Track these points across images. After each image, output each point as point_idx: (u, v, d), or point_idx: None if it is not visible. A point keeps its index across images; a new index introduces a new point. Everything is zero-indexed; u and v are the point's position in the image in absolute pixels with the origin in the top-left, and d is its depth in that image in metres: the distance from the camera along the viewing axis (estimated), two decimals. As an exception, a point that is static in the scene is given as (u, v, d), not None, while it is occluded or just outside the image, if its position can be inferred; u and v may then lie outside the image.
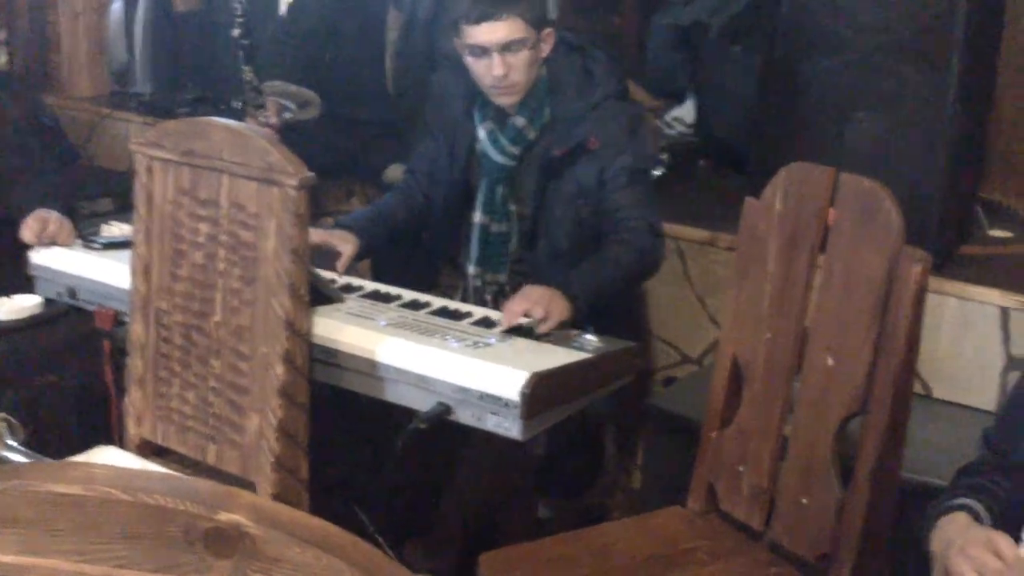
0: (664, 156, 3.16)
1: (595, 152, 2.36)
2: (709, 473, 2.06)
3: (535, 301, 2.11)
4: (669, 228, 2.94)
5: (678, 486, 2.12)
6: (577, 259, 2.33)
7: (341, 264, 2.40)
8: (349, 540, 0.78)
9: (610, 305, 2.31)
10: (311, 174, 1.79)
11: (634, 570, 1.88)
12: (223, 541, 0.76)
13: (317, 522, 0.78)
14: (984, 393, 2.63)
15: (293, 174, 1.77)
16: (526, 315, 2.10)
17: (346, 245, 2.43)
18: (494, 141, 2.46)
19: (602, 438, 2.51)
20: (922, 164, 2.64)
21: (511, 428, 1.92)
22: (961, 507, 1.48)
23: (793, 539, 1.90)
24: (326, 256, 2.40)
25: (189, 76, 4.21)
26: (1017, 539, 1.38)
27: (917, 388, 2.65)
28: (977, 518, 1.47)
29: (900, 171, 2.54)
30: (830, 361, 1.84)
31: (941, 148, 2.67)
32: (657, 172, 2.98)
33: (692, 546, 1.96)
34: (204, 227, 1.91)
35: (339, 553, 0.76)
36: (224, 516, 0.76)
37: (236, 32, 2.96)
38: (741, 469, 1.99)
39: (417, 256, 2.71)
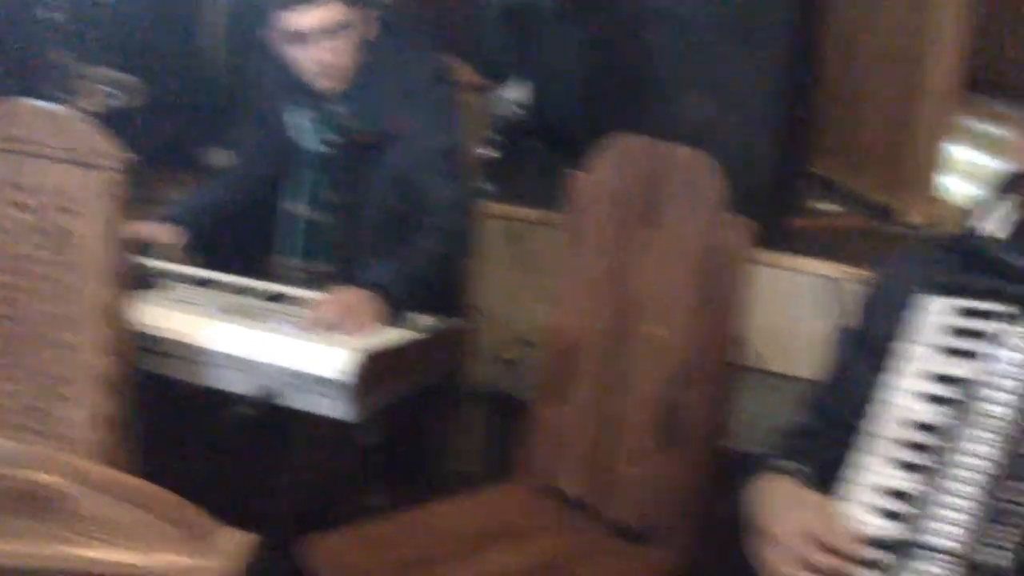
0: (496, 137, 3.15)
1: (408, 137, 2.33)
2: (539, 448, 2.06)
3: (343, 312, 2.07)
4: (502, 209, 2.95)
5: (512, 464, 2.11)
6: (398, 245, 2.31)
7: (169, 257, 2.36)
8: (165, 496, 0.75)
9: (439, 286, 2.29)
10: (131, 156, 1.76)
11: (464, 546, 1.86)
12: (40, 502, 0.73)
13: (134, 481, 0.76)
14: (816, 363, 2.70)
15: (112, 157, 1.75)
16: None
17: (173, 238, 2.40)
18: (312, 129, 2.42)
19: (435, 421, 2.49)
20: (751, 140, 2.71)
21: (343, 410, 1.91)
22: (785, 470, 1.46)
23: (624, 509, 1.92)
24: (156, 247, 2.37)
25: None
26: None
27: (750, 360, 2.71)
28: (802, 483, 1.44)
29: (729, 146, 2.58)
30: (658, 331, 1.88)
31: (769, 124, 2.75)
32: (489, 153, 2.97)
33: (522, 521, 1.96)
34: (19, 213, 1.84)
35: (154, 508, 0.74)
36: (40, 477, 0.73)
37: (56, 16, 2.85)
38: (571, 443, 2.00)
39: (245, 242, 2.65)
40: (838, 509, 1.33)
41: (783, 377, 2.72)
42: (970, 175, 4.19)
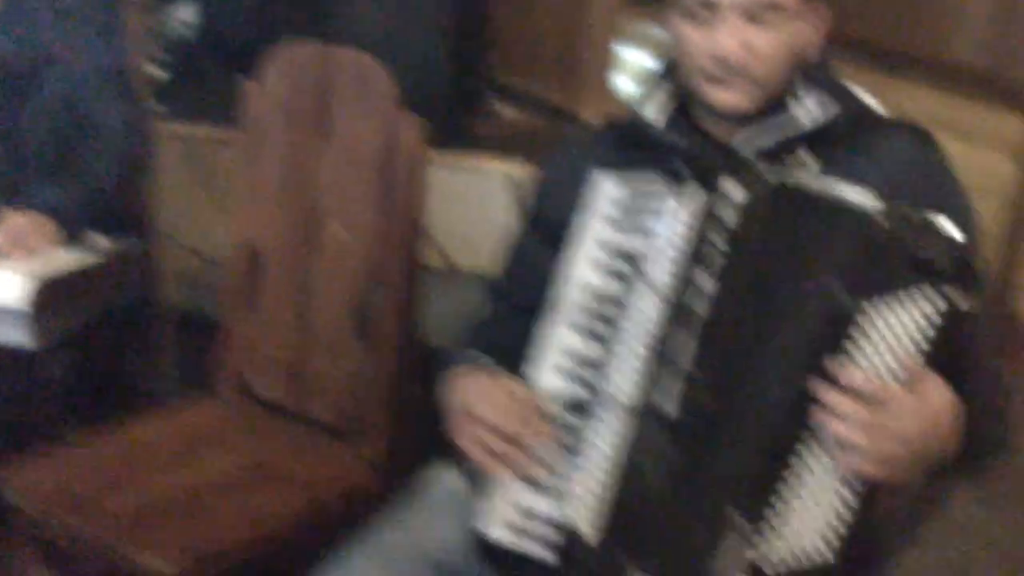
0: (166, 57, 3.08)
1: (67, 60, 2.23)
2: (235, 359, 2.06)
3: (13, 238, 1.99)
4: (178, 128, 2.88)
5: (209, 380, 2.10)
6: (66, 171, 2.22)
7: None
8: None
9: (117, 209, 2.22)
10: None
11: (165, 461, 1.85)
12: None
13: None
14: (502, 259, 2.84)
15: None
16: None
17: None
18: None
19: (126, 345, 2.44)
20: (427, 45, 2.76)
21: (21, 338, 1.86)
22: (473, 359, 1.53)
23: (325, 409, 1.96)
24: None
25: None
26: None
27: (437, 261, 2.80)
28: (488, 368, 1.51)
29: (404, 52, 2.62)
30: (343, 233, 1.91)
31: (442, 29, 2.81)
32: (159, 73, 2.90)
33: (223, 430, 1.96)
34: None
35: None
36: None
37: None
38: (266, 350, 2.01)
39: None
40: (525, 385, 1.41)
41: (471, 274, 2.83)
42: (639, 75, 4.44)
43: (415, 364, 1.92)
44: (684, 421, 1.29)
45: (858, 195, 1.26)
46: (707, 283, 1.29)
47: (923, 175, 1.41)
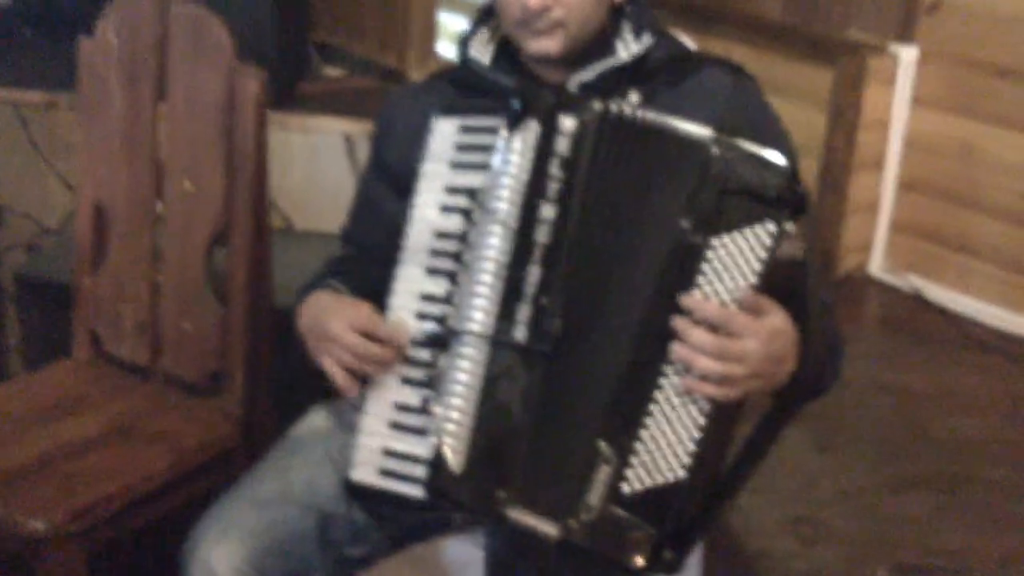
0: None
1: None
2: (89, 321, 2.04)
3: None
4: (6, 96, 2.79)
5: (65, 345, 2.07)
6: None
7: None
8: None
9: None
10: None
11: (27, 425, 1.84)
12: None
13: None
14: (340, 218, 2.87)
15: None
16: None
17: None
18: None
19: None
20: (250, 10, 2.73)
21: None
22: (325, 286, 1.55)
23: (182, 366, 1.96)
24: None
25: None
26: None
27: (278, 222, 2.81)
28: (337, 292, 1.54)
29: (228, 17, 2.62)
30: (188, 187, 1.89)
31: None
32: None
33: (83, 392, 1.95)
34: None
35: None
36: None
37: None
38: (120, 310, 2.00)
39: None
40: (376, 312, 1.43)
41: (312, 234, 2.85)
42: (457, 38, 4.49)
43: (267, 318, 1.94)
44: (535, 346, 1.35)
45: (687, 125, 1.33)
46: (547, 211, 1.35)
47: (741, 105, 1.51)
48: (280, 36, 2.84)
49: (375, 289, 1.55)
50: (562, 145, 1.36)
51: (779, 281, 1.31)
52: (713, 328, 1.28)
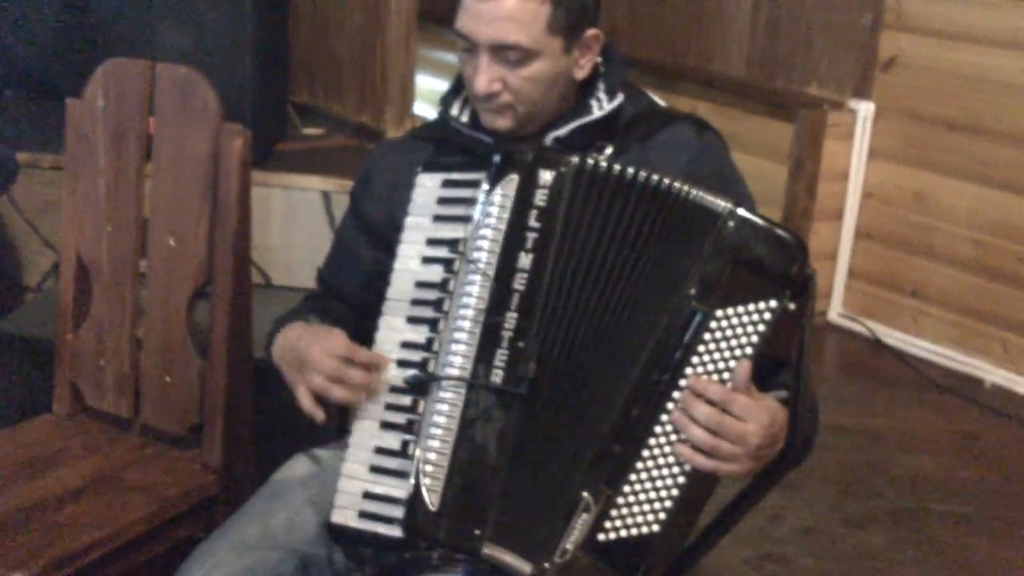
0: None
1: None
2: (71, 375, 2.07)
3: None
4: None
5: (47, 399, 2.10)
6: None
7: None
8: None
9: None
10: None
11: (8, 478, 1.85)
12: None
13: None
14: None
15: None
16: None
17: None
18: None
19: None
20: (230, 71, 2.80)
21: None
22: (298, 318, 1.60)
23: (163, 418, 1.99)
24: None
25: None
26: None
27: (257, 278, 2.85)
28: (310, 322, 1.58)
29: (209, 79, 2.68)
30: (172, 242, 1.93)
31: (246, 56, 2.86)
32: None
33: (64, 446, 1.97)
34: None
35: None
36: None
37: None
38: (102, 363, 2.03)
39: None
40: (345, 337, 1.46)
41: (287, 289, 2.89)
42: (435, 100, 4.57)
43: (247, 370, 1.97)
44: (511, 388, 1.39)
45: (707, 195, 1.37)
46: (525, 260, 1.41)
47: (705, 158, 1.58)
48: (260, 96, 2.91)
49: (349, 321, 1.62)
50: (540, 197, 1.42)
51: (777, 347, 1.35)
52: (719, 406, 1.33)
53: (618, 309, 1.39)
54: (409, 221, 1.52)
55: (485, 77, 1.49)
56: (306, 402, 1.46)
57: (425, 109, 3.58)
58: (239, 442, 1.96)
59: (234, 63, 2.83)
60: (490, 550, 1.39)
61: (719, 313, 1.34)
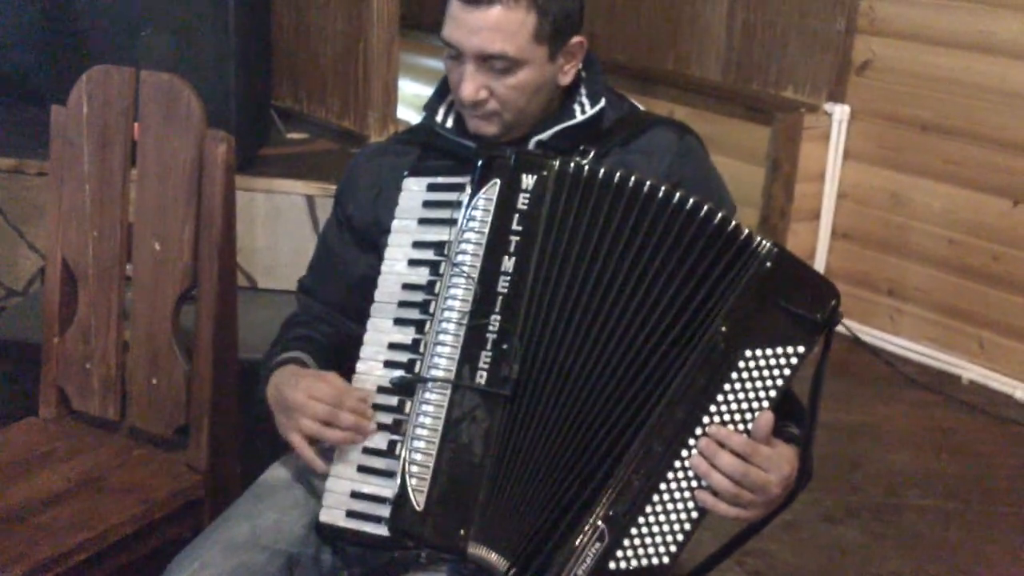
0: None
1: None
2: (57, 378, 2.08)
3: None
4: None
5: (33, 402, 2.11)
6: None
7: None
8: None
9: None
10: None
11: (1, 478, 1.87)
12: None
13: None
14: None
15: None
16: None
17: None
18: None
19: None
20: (214, 77, 2.81)
21: None
22: (288, 360, 1.60)
23: (149, 420, 2.00)
24: None
25: None
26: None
27: (242, 281, 2.87)
28: (304, 365, 1.60)
29: (193, 84, 2.70)
30: (157, 247, 1.95)
31: (230, 62, 2.87)
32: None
33: (50, 448, 1.98)
34: None
35: None
36: None
37: None
38: (88, 366, 2.04)
39: None
40: (338, 378, 1.49)
41: (272, 292, 2.90)
42: (417, 104, 4.60)
43: (232, 373, 1.99)
44: (495, 389, 1.41)
45: (748, 232, 1.37)
46: (507, 262, 1.43)
47: (685, 161, 1.61)
48: (244, 101, 2.92)
49: (335, 343, 1.64)
50: (522, 201, 1.44)
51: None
52: (742, 455, 1.34)
53: (621, 320, 1.39)
54: (395, 224, 1.54)
55: (471, 85, 1.51)
56: (305, 453, 1.48)
57: (408, 114, 3.60)
58: (224, 444, 1.97)
59: (218, 69, 2.84)
60: (475, 549, 1.41)
61: (748, 353, 1.34)
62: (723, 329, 1.35)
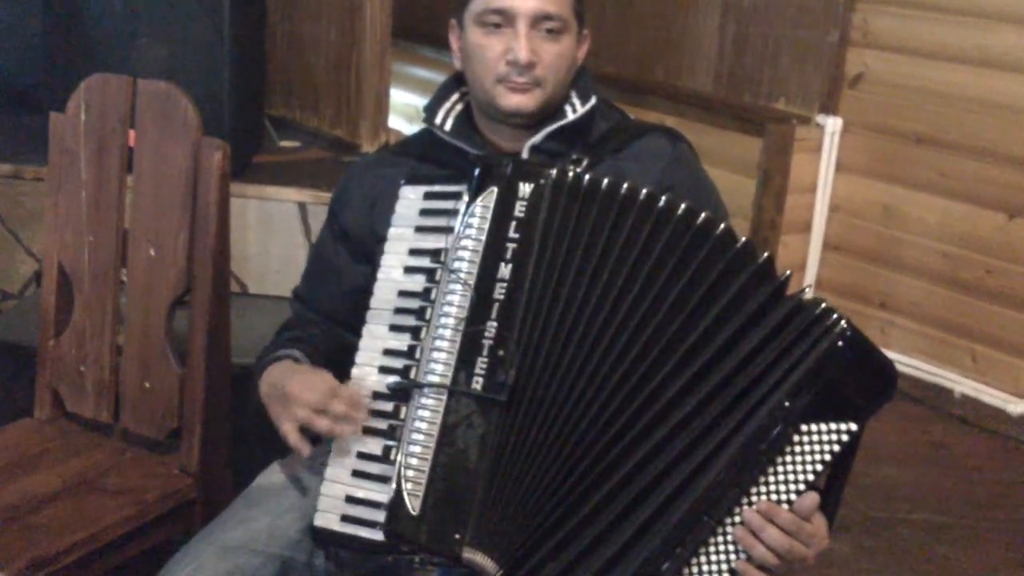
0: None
1: None
2: (52, 380, 2.10)
3: None
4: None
5: (28, 405, 2.12)
6: None
7: None
8: None
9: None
10: None
11: (-6, 480, 1.88)
12: None
13: None
14: (293, 283, 2.95)
15: None
16: None
17: None
18: None
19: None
20: (209, 86, 2.83)
21: None
22: (281, 357, 1.62)
23: (143, 423, 2.02)
24: None
25: None
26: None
27: (234, 287, 2.88)
28: (297, 361, 1.62)
29: (189, 93, 2.72)
30: (152, 252, 1.97)
31: (224, 71, 2.89)
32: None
33: (44, 449, 1.99)
34: None
35: None
36: None
37: None
38: (83, 369, 2.06)
39: None
40: (329, 376, 1.49)
41: (264, 297, 2.91)
42: (407, 114, 4.64)
43: (225, 377, 2.00)
44: (491, 395, 1.41)
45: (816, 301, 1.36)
46: (504, 269, 1.44)
47: (678, 167, 1.63)
48: (238, 110, 2.94)
49: (328, 348, 1.65)
50: (519, 209, 1.45)
51: None
52: (786, 531, 1.34)
53: (620, 328, 1.39)
54: (392, 232, 1.55)
55: (528, 45, 1.54)
56: (292, 437, 1.48)
57: (399, 123, 3.62)
58: (217, 447, 1.99)
59: (213, 78, 2.86)
60: (470, 554, 1.41)
61: (803, 427, 1.33)
62: (786, 404, 1.34)
